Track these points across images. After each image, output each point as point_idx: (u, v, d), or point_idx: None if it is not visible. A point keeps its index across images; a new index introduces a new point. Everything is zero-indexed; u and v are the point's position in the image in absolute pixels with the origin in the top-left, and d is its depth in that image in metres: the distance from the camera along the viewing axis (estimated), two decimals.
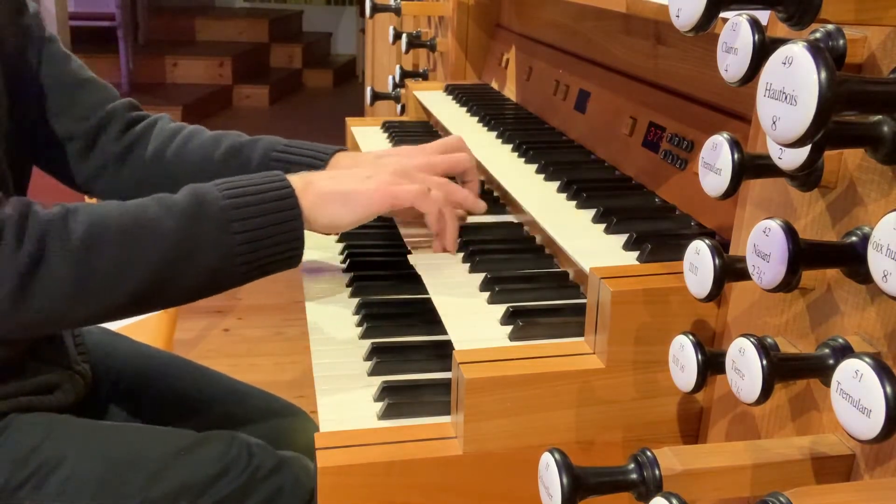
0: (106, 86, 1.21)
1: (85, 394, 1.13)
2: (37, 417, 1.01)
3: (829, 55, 0.46)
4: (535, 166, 1.15)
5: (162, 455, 1.01)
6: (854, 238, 0.57)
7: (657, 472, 0.58)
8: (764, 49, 0.54)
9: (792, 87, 0.47)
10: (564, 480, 0.56)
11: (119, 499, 0.97)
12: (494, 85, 1.71)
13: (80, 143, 1.17)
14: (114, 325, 1.39)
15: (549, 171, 1.11)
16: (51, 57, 1.14)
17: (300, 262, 0.95)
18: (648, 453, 0.59)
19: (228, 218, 0.89)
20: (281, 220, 0.91)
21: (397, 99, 2.00)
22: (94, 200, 1.09)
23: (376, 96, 2.04)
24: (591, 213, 0.97)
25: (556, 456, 0.57)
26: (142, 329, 1.44)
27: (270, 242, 0.90)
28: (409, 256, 1.01)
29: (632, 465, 0.59)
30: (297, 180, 0.94)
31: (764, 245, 0.57)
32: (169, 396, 1.23)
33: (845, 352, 0.58)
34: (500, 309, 0.87)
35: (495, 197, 1.21)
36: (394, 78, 2.02)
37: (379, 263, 1.15)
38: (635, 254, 0.85)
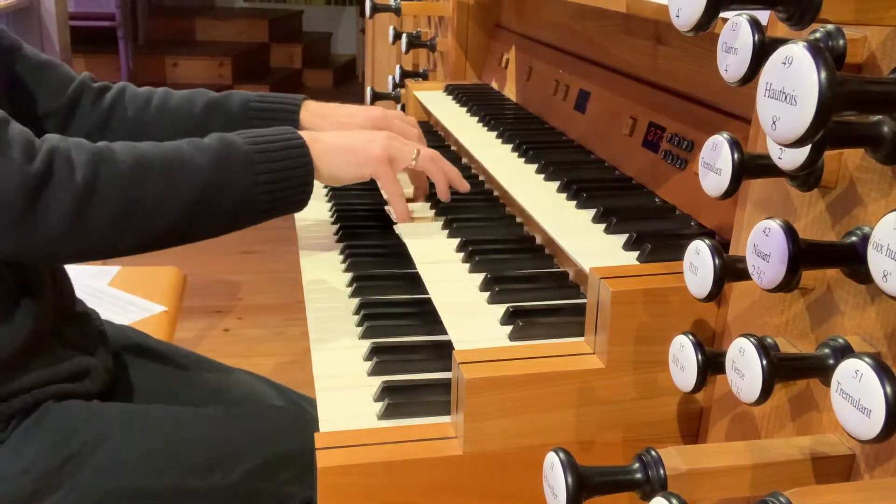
0: (63, 63, 1.26)
1: (108, 382, 1.17)
2: (73, 403, 1.07)
3: (829, 55, 0.46)
4: (535, 166, 1.15)
5: (196, 436, 1.08)
6: (854, 238, 0.57)
7: (662, 471, 0.58)
8: (764, 49, 0.55)
9: (792, 87, 0.47)
10: (570, 480, 0.56)
11: (156, 476, 1.03)
12: (494, 85, 1.71)
13: (58, 118, 1.21)
14: (123, 321, 1.40)
15: (549, 171, 1.11)
16: (7, 49, 1.16)
17: (306, 205, 1.07)
18: (653, 452, 0.59)
19: (252, 160, 1.00)
20: (295, 164, 1.03)
21: (397, 99, 2.00)
22: None
23: (376, 96, 2.04)
24: (591, 213, 0.97)
25: (562, 455, 0.57)
26: (143, 328, 1.44)
27: (287, 185, 1.02)
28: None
29: (637, 465, 0.59)
30: (306, 134, 1.06)
31: (764, 245, 0.57)
32: (189, 387, 1.27)
33: (845, 352, 0.58)
34: (500, 309, 0.87)
35: (495, 196, 1.21)
36: (394, 78, 2.02)
37: (376, 257, 1.16)
38: (635, 254, 0.85)
